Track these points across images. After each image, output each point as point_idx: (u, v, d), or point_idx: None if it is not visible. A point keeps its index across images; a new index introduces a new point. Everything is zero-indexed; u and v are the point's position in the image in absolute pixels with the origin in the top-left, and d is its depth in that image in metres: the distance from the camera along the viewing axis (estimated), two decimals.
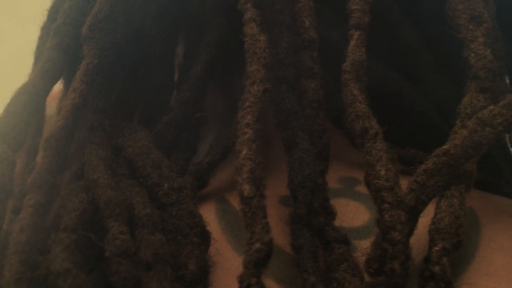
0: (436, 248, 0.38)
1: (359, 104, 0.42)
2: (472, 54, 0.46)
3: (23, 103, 0.43)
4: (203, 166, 0.47)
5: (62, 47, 0.47)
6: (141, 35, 0.53)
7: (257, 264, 0.35)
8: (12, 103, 0.44)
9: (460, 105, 0.44)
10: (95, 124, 0.46)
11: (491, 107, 0.42)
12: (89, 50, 0.46)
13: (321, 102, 0.45)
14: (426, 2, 0.53)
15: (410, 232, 0.40)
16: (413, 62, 0.52)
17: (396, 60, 0.52)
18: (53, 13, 0.54)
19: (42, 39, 0.53)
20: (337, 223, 0.42)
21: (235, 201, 0.45)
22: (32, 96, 0.44)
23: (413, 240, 0.40)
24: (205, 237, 0.40)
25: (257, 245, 0.35)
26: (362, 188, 0.47)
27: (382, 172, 0.39)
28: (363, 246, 0.43)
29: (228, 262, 0.42)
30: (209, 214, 0.45)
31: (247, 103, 0.41)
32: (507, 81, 0.54)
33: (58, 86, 0.49)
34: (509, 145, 0.57)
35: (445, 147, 0.41)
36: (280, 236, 0.42)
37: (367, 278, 0.40)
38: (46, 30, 0.54)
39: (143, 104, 0.53)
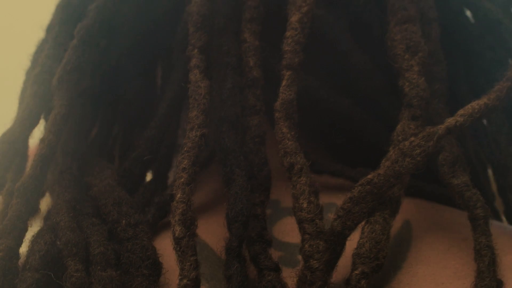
0: (356, 272, 0.42)
1: (287, 141, 0.45)
2: (407, 83, 0.48)
3: (2, 152, 0.49)
4: (165, 197, 0.52)
5: (39, 95, 0.52)
6: (118, 73, 0.57)
7: None
8: None
9: (394, 132, 0.47)
10: (63, 168, 0.51)
11: (412, 138, 0.45)
12: (57, 101, 0.50)
13: (263, 137, 0.49)
14: (376, 29, 0.55)
15: (338, 256, 0.44)
16: (365, 86, 0.55)
17: (349, 85, 0.55)
18: (35, 59, 0.58)
19: (25, 84, 0.58)
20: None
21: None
22: (11, 144, 0.50)
23: (346, 262, 0.44)
24: (156, 268, 0.45)
25: (184, 281, 0.40)
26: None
27: (304, 205, 0.43)
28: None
29: None
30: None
31: (185, 148, 0.45)
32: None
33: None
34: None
35: (369, 176, 0.44)
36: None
37: None
38: (28, 75, 0.58)
39: (121, 140, 0.58)
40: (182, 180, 0.44)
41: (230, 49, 0.51)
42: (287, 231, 0.50)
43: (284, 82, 0.47)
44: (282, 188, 0.48)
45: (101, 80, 0.55)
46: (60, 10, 0.57)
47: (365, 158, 0.53)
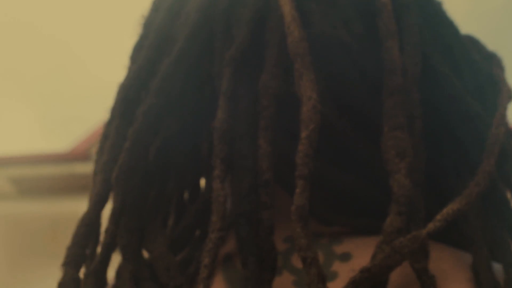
0: None
1: (301, 239, 0.55)
2: (395, 183, 0.59)
3: (83, 234, 0.62)
4: None
5: (106, 182, 0.64)
6: (169, 164, 0.69)
7: None
8: (75, 233, 0.62)
9: (384, 224, 0.59)
10: (125, 244, 0.63)
11: (401, 238, 0.56)
12: (115, 197, 0.63)
13: (272, 228, 0.60)
14: (375, 117, 0.64)
15: None
16: (366, 163, 0.66)
17: (351, 163, 0.66)
18: (102, 144, 0.69)
19: (95, 169, 0.69)
20: None
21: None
22: (87, 227, 0.63)
23: None
24: None
25: None
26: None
27: None
28: None
29: None
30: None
31: (207, 248, 0.57)
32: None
33: None
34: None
35: (367, 266, 0.56)
36: None
37: None
38: (98, 160, 0.69)
39: (175, 208, 0.70)
40: (203, 275, 0.56)
41: (247, 154, 0.61)
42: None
43: (297, 191, 0.57)
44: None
45: (157, 172, 0.67)
46: (120, 103, 0.68)
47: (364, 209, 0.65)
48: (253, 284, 0.57)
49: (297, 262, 0.61)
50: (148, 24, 0.72)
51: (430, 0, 0.71)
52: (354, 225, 0.65)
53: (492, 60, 0.71)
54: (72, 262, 0.63)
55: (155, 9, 0.74)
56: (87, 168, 9.41)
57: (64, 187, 9.80)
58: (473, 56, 0.70)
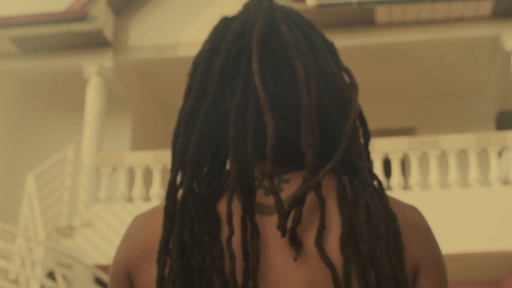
0: None
1: None
2: (304, 144, 1.09)
3: (175, 173, 1.25)
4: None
5: (186, 143, 1.13)
6: (206, 139, 1.15)
7: None
8: (171, 172, 1.12)
9: (306, 165, 1.08)
10: (189, 176, 1.10)
11: (309, 182, 1.05)
12: (191, 153, 1.11)
13: (253, 166, 1.16)
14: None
15: None
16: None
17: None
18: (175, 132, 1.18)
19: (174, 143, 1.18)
20: None
21: None
22: (178, 169, 1.13)
23: None
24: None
25: None
26: None
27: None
28: None
29: None
30: None
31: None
32: None
33: None
34: None
35: (295, 192, 1.08)
36: None
37: None
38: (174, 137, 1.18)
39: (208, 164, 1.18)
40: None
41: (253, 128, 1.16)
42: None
43: (269, 146, 1.07)
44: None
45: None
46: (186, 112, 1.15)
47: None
48: (243, 192, 1.09)
49: (266, 183, 1.17)
50: (196, 62, 1.20)
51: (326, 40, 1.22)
52: (293, 166, 1.20)
53: (348, 74, 1.20)
54: (170, 194, 1.09)
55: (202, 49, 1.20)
56: (83, 27, 9.96)
57: (62, 45, 10.26)
58: (342, 87, 1.16)
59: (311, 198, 1.11)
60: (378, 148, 9.27)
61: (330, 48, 1.22)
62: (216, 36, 1.18)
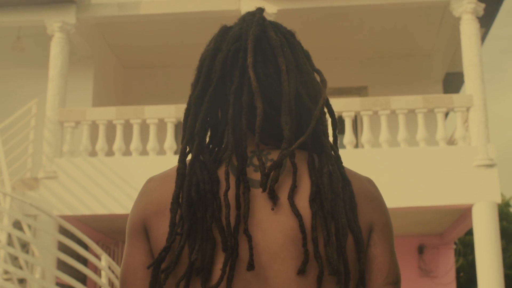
0: None
1: None
2: (284, 125, 1.48)
3: (186, 145, 1.56)
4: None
5: (194, 121, 1.52)
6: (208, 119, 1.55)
7: None
8: (183, 144, 1.53)
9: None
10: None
11: (285, 151, 1.46)
12: (198, 131, 1.50)
13: (245, 146, 1.52)
14: None
15: None
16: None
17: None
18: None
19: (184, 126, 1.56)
20: None
21: None
22: (190, 141, 1.52)
23: None
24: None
25: None
26: None
27: None
28: None
29: None
30: None
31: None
32: None
33: None
34: None
35: (275, 160, 1.44)
36: None
37: None
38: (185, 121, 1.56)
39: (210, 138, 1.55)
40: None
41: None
42: None
43: (257, 130, 1.46)
44: None
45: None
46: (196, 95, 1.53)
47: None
48: (238, 157, 1.46)
49: (255, 161, 1.52)
50: (203, 58, 1.56)
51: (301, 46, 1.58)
52: (276, 144, 1.56)
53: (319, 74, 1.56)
54: (181, 159, 1.46)
55: (207, 48, 1.57)
56: None
57: (25, 1, 10.39)
58: (314, 81, 1.53)
59: (289, 166, 1.46)
60: (332, 107, 9.66)
61: (306, 54, 1.61)
62: (218, 39, 1.57)
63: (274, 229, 1.41)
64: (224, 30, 1.59)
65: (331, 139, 1.56)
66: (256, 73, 1.50)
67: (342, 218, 1.42)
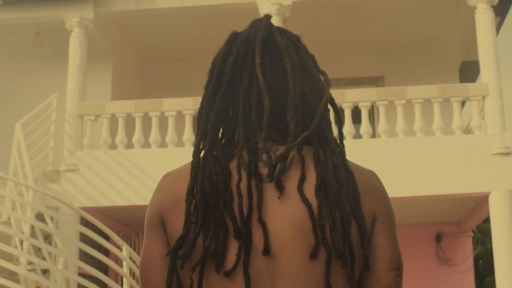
0: None
1: None
2: (291, 122, 1.58)
3: (199, 140, 1.63)
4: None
5: (207, 118, 1.66)
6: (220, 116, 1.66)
7: None
8: (197, 137, 1.63)
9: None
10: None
11: (290, 144, 1.54)
12: (211, 125, 1.62)
13: (256, 142, 1.62)
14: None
15: None
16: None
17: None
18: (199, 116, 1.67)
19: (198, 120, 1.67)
20: None
21: None
22: (204, 137, 1.63)
23: None
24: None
25: None
26: None
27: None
28: None
29: None
30: None
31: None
32: None
33: None
34: None
35: (281, 152, 1.55)
36: None
37: None
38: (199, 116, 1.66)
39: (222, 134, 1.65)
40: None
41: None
42: None
43: (264, 128, 1.56)
44: None
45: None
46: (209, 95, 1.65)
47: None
48: (249, 151, 1.58)
49: (264, 157, 1.62)
50: (214, 62, 1.66)
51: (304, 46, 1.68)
52: (282, 140, 1.66)
53: (323, 75, 1.66)
54: (195, 153, 1.55)
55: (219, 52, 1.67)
56: None
57: None
58: (318, 81, 1.64)
59: (295, 159, 1.56)
60: (348, 98, 9.75)
61: (311, 56, 1.72)
62: (228, 43, 1.69)
63: (283, 220, 1.50)
64: (234, 35, 1.70)
65: (336, 135, 1.65)
66: (264, 73, 1.60)
67: (346, 206, 1.52)
